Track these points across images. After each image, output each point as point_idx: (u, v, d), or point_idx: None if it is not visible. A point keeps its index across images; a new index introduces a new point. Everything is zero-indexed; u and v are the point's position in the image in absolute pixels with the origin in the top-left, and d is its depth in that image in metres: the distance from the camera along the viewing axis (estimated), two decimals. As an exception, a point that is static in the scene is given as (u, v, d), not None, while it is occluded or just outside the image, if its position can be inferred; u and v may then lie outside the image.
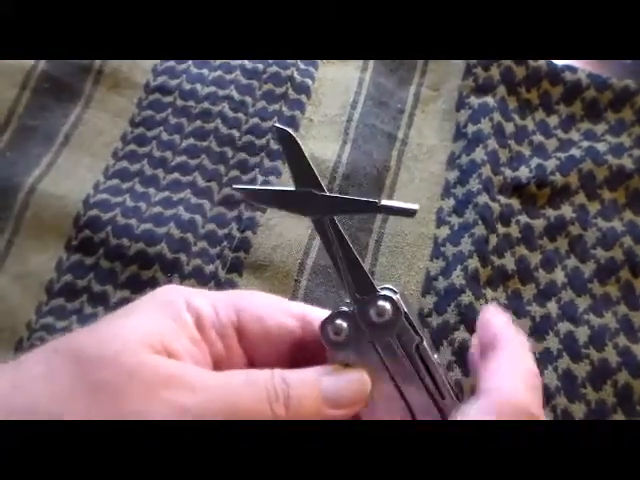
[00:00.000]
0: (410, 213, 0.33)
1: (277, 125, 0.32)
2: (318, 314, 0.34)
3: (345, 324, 0.32)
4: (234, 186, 0.34)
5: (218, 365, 0.32)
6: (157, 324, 0.30)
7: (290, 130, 0.32)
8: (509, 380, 0.31)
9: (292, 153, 0.32)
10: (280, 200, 0.33)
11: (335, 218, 0.32)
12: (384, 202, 0.33)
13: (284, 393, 0.29)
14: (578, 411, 0.43)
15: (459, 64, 0.56)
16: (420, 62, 0.57)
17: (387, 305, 0.31)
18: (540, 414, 0.31)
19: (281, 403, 0.29)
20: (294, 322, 0.33)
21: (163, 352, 0.29)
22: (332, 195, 0.32)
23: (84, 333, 0.30)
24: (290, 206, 0.33)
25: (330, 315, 0.32)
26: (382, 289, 0.32)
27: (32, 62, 0.53)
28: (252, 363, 0.33)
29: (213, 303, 0.33)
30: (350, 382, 0.31)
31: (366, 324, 0.32)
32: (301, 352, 0.33)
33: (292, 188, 0.32)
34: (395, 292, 0.32)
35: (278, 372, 0.30)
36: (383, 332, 0.32)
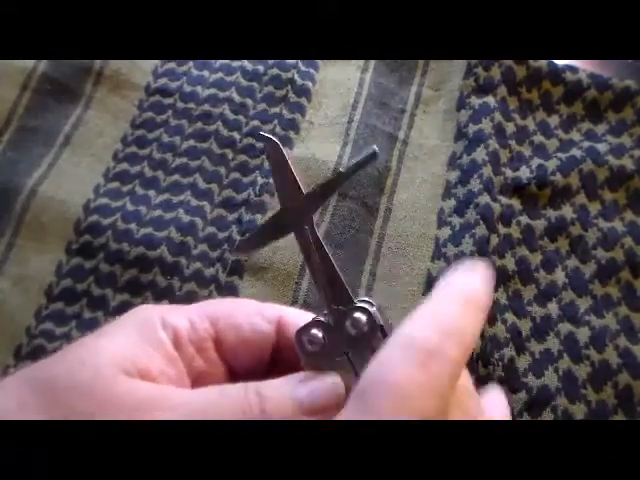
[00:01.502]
0: (372, 157, 0.32)
1: (262, 133, 0.34)
2: (294, 316, 0.34)
3: (320, 334, 0.32)
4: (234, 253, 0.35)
5: (199, 379, 0.32)
6: (130, 346, 0.30)
7: (274, 138, 0.32)
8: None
9: (277, 162, 0.33)
10: (269, 234, 0.34)
11: (314, 226, 0.32)
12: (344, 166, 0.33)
13: (259, 406, 0.29)
14: (578, 412, 0.44)
15: (460, 64, 0.56)
16: (421, 62, 0.57)
17: (363, 317, 0.31)
18: (456, 356, 0.28)
19: (256, 416, 0.29)
20: (269, 326, 0.34)
21: (136, 375, 0.29)
22: (305, 193, 0.32)
23: (54, 360, 0.30)
24: (279, 234, 0.33)
25: (305, 325, 0.32)
26: (359, 301, 0.32)
27: (33, 63, 0.54)
28: (233, 372, 0.34)
29: (189, 317, 0.33)
30: (325, 388, 0.31)
31: (342, 335, 0.31)
32: (279, 354, 0.34)
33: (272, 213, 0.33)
34: (372, 305, 0.32)
35: (252, 385, 0.30)
36: (358, 344, 0.31)
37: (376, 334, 0.31)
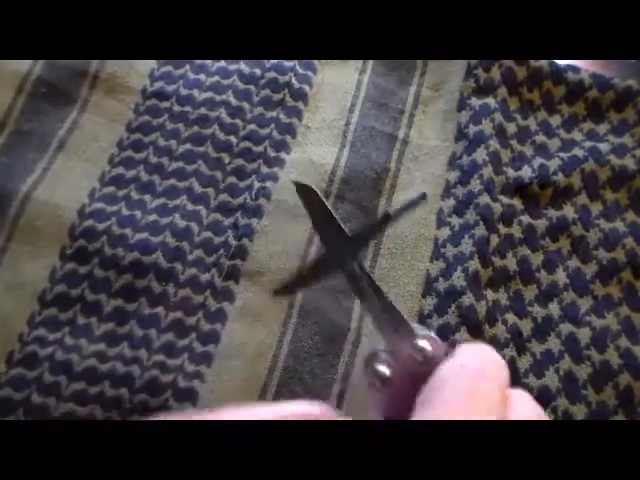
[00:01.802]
0: (421, 199, 0.35)
1: (297, 182, 0.33)
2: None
3: (387, 369, 0.31)
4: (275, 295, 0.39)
5: None
6: None
7: (312, 186, 0.32)
8: None
9: (316, 209, 0.33)
10: (314, 277, 0.35)
11: (363, 266, 0.32)
12: (393, 208, 0.34)
13: None
14: (579, 412, 0.44)
15: (459, 64, 0.56)
16: (420, 62, 0.57)
17: (428, 346, 0.31)
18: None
19: None
20: None
21: None
22: (351, 235, 0.33)
23: None
24: (325, 277, 0.34)
25: (372, 353, 0.32)
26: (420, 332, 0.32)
27: (28, 66, 0.54)
28: None
29: None
30: None
31: (405, 365, 0.31)
32: None
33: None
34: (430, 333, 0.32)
35: None
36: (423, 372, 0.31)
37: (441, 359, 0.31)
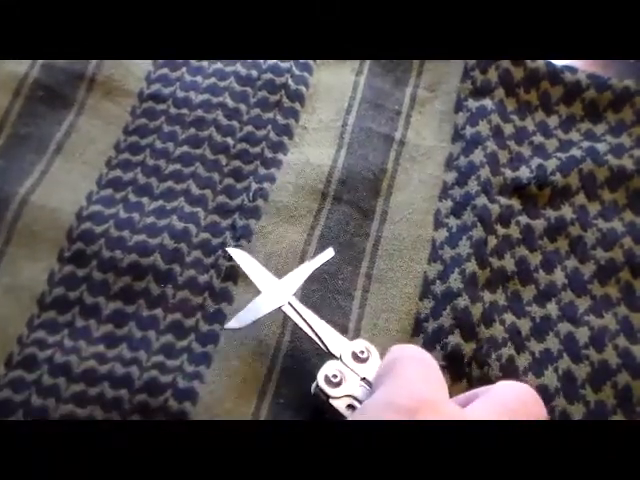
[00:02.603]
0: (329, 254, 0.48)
1: (227, 249, 0.48)
2: None
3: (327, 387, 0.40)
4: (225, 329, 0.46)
5: None
6: None
7: (236, 250, 0.48)
8: None
9: (248, 265, 0.46)
10: (257, 311, 0.45)
11: (296, 301, 0.44)
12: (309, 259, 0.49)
13: None
14: (577, 412, 0.44)
15: (456, 65, 0.57)
16: (416, 63, 0.58)
17: (363, 346, 0.42)
18: None
19: None
20: None
21: None
22: (281, 280, 0.46)
23: None
24: (265, 310, 0.44)
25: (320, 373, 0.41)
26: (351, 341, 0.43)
27: (25, 69, 0.55)
28: None
29: None
30: None
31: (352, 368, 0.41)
32: None
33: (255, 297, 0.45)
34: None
35: None
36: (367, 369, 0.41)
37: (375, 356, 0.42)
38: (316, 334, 0.43)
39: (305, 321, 0.43)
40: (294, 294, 0.45)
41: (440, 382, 0.35)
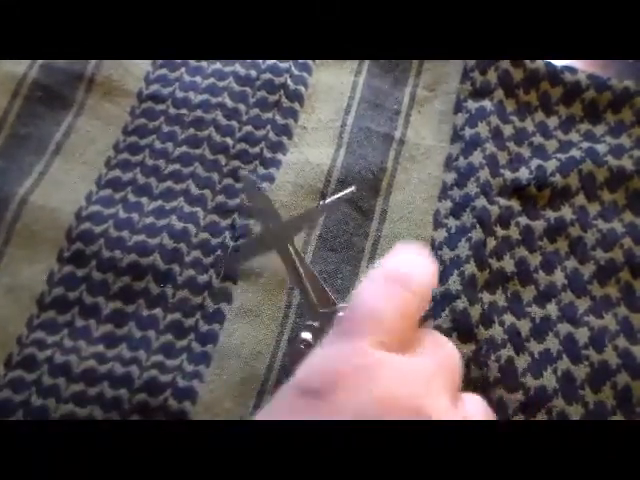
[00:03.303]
0: (352, 192, 0.46)
1: (241, 174, 0.49)
2: None
3: (310, 337, 0.39)
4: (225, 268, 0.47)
5: None
6: None
7: (250, 176, 0.48)
8: None
9: (254, 195, 0.47)
10: (254, 251, 0.46)
11: (294, 245, 0.43)
12: (326, 201, 0.46)
13: None
14: (575, 413, 0.44)
15: (455, 65, 0.57)
16: (415, 63, 0.58)
17: None
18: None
19: None
20: None
21: None
22: (285, 220, 0.45)
23: None
24: (262, 251, 0.45)
25: (296, 335, 0.41)
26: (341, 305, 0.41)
27: (24, 70, 0.55)
28: None
29: None
30: None
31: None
32: None
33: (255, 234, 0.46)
34: None
35: None
36: None
37: None
38: (305, 287, 0.42)
39: (297, 270, 0.43)
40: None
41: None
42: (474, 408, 0.36)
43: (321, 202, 0.45)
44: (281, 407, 0.32)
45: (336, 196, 0.45)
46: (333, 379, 0.31)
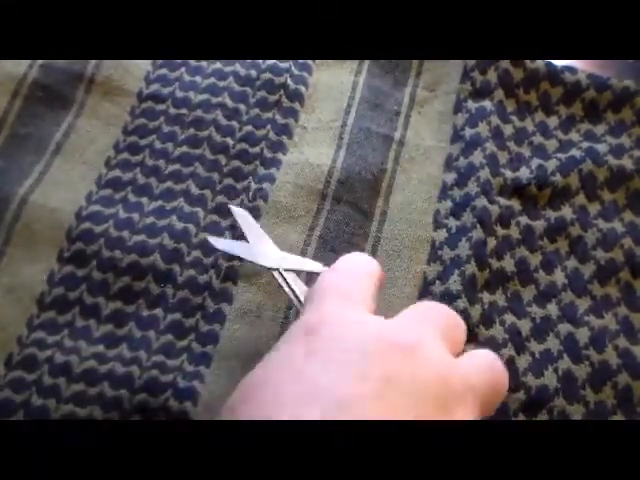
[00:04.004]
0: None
1: (230, 206, 0.48)
2: None
3: None
4: (209, 239, 0.46)
5: None
6: None
7: (241, 209, 0.48)
8: None
9: (249, 226, 0.46)
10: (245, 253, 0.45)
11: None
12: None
13: None
14: (576, 413, 0.45)
15: (455, 65, 0.57)
16: (415, 63, 0.58)
17: None
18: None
19: None
20: None
21: None
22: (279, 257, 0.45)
23: None
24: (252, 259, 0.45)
25: None
26: None
27: (24, 70, 0.55)
28: None
29: None
30: None
31: None
32: None
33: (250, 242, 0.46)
34: None
35: None
36: None
37: None
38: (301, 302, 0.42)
39: (292, 290, 0.43)
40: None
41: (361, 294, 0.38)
42: (475, 362, 0.36)
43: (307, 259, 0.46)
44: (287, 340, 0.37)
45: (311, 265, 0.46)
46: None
